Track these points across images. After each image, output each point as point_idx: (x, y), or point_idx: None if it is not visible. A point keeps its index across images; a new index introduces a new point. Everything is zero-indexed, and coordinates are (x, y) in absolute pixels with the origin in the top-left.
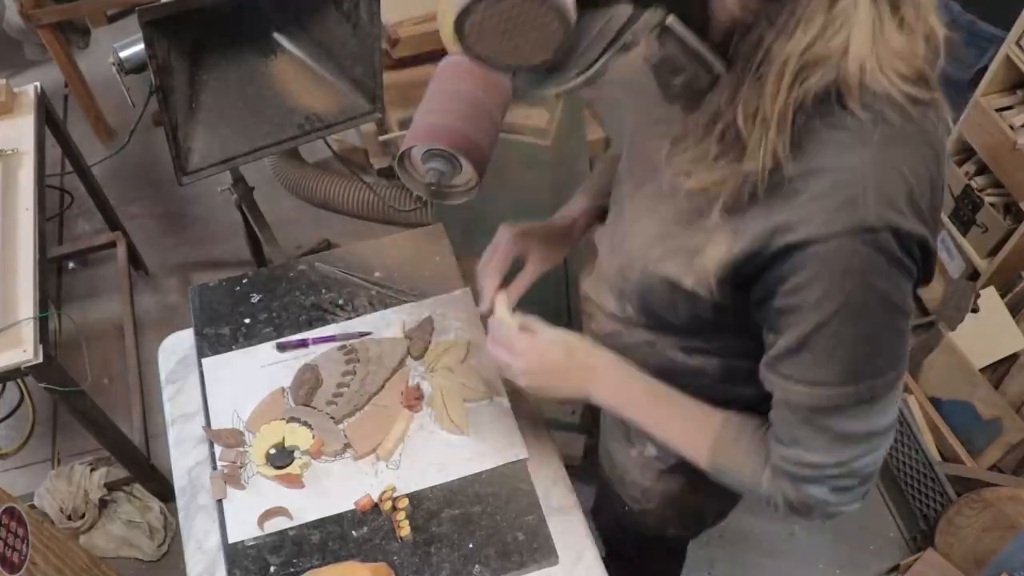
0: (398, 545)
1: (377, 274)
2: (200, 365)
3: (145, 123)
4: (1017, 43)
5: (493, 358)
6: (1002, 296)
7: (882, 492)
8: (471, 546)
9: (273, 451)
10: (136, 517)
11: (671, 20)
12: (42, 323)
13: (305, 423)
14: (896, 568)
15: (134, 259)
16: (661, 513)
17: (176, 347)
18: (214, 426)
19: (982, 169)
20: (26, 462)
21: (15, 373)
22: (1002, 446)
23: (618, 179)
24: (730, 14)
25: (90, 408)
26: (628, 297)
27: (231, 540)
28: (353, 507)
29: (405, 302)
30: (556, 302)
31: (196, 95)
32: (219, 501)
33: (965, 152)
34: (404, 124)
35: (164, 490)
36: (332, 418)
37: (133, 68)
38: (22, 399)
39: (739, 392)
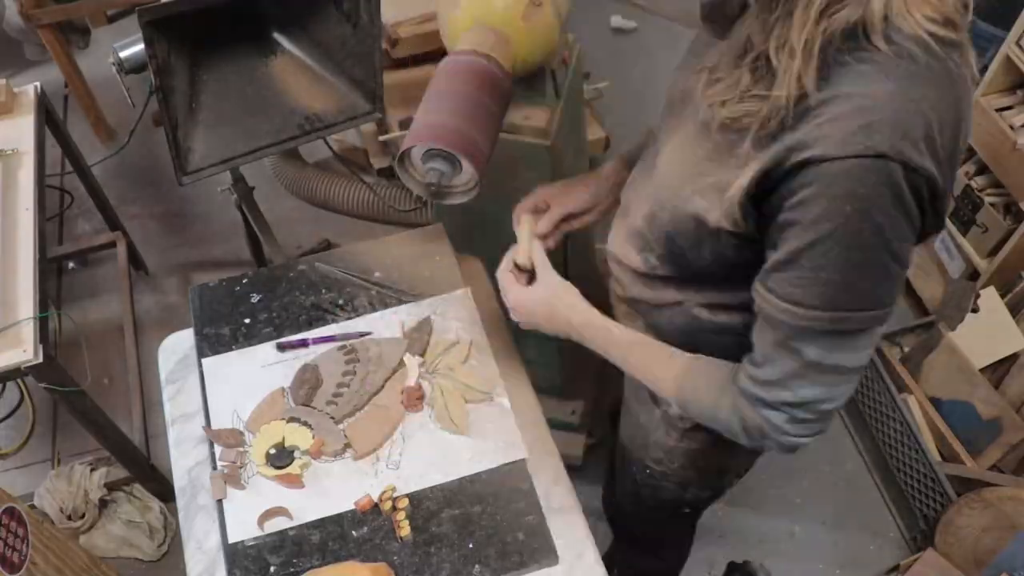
0: (398, 545)
1: (377, 274)
2: (200, 365)
3: (145, 123)
4: (1017, 43)
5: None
6: (1002, 296)
7: (882, 492)
8: (471, 546)
9: (273, 451)
10: (136, 517)
11: None
12: (42, 323)
13: (305, 423)
14: (896, 568)
15: (134, 259)
16: (683, 474)
17: (176, 347)
18: (214, 426)
19: (982, 169)
20: (26, 462)
21: (15, 373)
22: (1002, 446)
23: (651, 137)
24: None
25: (90, 408)
26: (652, 246)
27: (231, 540)
28: (353, 507)
29: (405, 302)
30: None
31: (196, 95)
32: (219, 501)
33: (965, 152)
34: (404, 124)
35: (164, 490)
36: (332, 418)
37: (133, 68)
38: (22, 399)
39: None
